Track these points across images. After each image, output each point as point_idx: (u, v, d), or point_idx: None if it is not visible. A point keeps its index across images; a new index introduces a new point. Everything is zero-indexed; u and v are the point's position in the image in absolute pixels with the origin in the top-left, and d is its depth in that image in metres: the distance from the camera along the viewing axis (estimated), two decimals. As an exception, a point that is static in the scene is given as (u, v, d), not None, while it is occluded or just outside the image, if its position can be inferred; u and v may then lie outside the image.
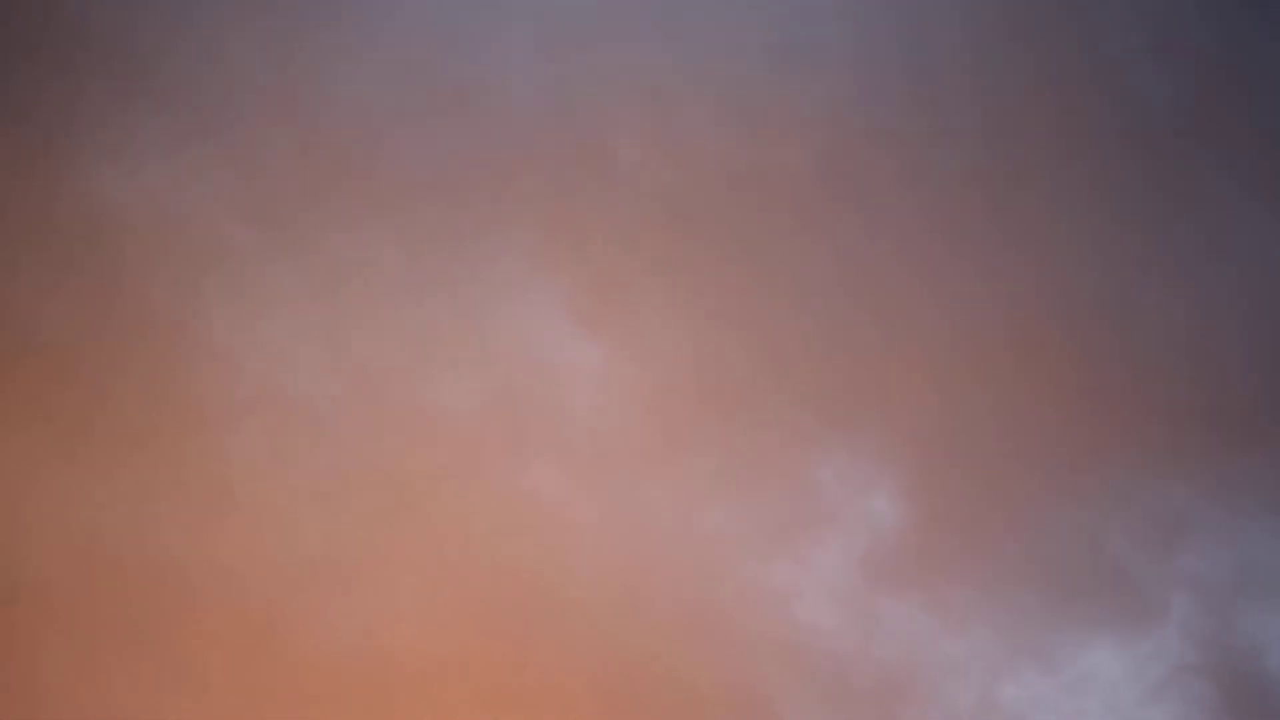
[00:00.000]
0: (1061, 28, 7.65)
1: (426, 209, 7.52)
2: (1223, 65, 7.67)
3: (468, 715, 7.21)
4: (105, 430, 6.99)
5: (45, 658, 6.88)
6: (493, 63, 7.67)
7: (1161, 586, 7.54)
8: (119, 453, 6.97)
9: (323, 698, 7.05)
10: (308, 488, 7.14)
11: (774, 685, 7.49)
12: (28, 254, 7.07)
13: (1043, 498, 7.53)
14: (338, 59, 7.55)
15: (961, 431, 7.53)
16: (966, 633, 7.53)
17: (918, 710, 7.57)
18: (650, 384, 7.45)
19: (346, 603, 7.14)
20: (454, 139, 7.60)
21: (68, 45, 7.33)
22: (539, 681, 7.23)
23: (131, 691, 6.97)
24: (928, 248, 7.62)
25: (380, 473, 7.20)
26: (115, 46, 7.31)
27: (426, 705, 7.19)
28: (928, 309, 7.58)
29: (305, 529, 7.15)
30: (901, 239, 7.63)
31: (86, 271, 7.06)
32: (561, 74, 7.64)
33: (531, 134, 7.67)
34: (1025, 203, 7.64)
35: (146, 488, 7.05)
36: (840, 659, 7.50)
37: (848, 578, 7.53)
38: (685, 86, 7.65)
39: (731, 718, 7.45)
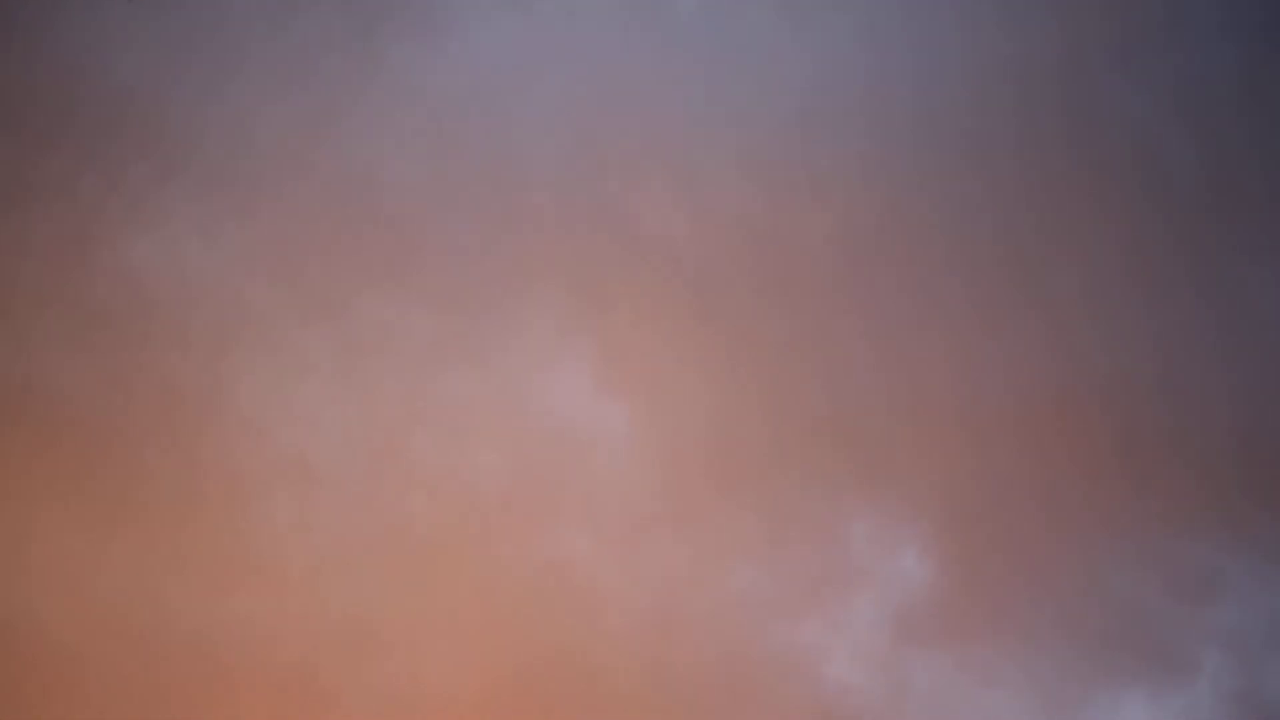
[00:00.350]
0: (1088, 94, 7.69)
1: (453, 275, 7.58)
2: (1252, 132, 7.70)
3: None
4: (135, 501, 7.06)
5: (62, 715, 6.92)
6: (519, 130, 7.75)
7: (1193, 643, 7.52)
8: (148, 523, 7.03)
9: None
10: (335, 553, 7.19)
11: (806, 747, 7.48)
12: (63, 328, 7.17)
13: (1073, 556, 7.52)
14: (368, 130, 7.64)
15: (992, 490, 7.54)
16: (997, 691, 7.52)
17: (950, 771, 7.54)
18: (677, 446, 7.48)
19: (374, 667, 7.17)
20: (480, 206, 7.68)
21: (107, 125, 7.45)
22: (571, 745, 7.24)
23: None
24: (954, 312, 7.64)
25: (407, 538, 7.24)
26: (152, 127, 7.43)
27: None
28: (955, 373, 7.60)
29: (332, 594, 7.19)
30: (927, 303, 7.66)
31: (119, 345, 7.14)
32: (586, 139, 7.72)
33: (557, 200, 7.73)
34: (1056, 270, 7.67)
35: (176, 556, 7.10)
36: (872, 719, 7.49)
37: (877, 637, 7.53)
38: (707, 151, 7.71)
39: (765, 782, 7.44)
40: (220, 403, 7.17)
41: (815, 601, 7.53)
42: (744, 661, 7.43)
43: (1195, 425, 7.56)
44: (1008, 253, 7.69)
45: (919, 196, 7.74)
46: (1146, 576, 7.55)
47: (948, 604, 7.55)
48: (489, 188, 7.73)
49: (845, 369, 7.62)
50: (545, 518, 7.39)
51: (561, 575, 7.31)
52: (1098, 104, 7.70)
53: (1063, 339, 7.63)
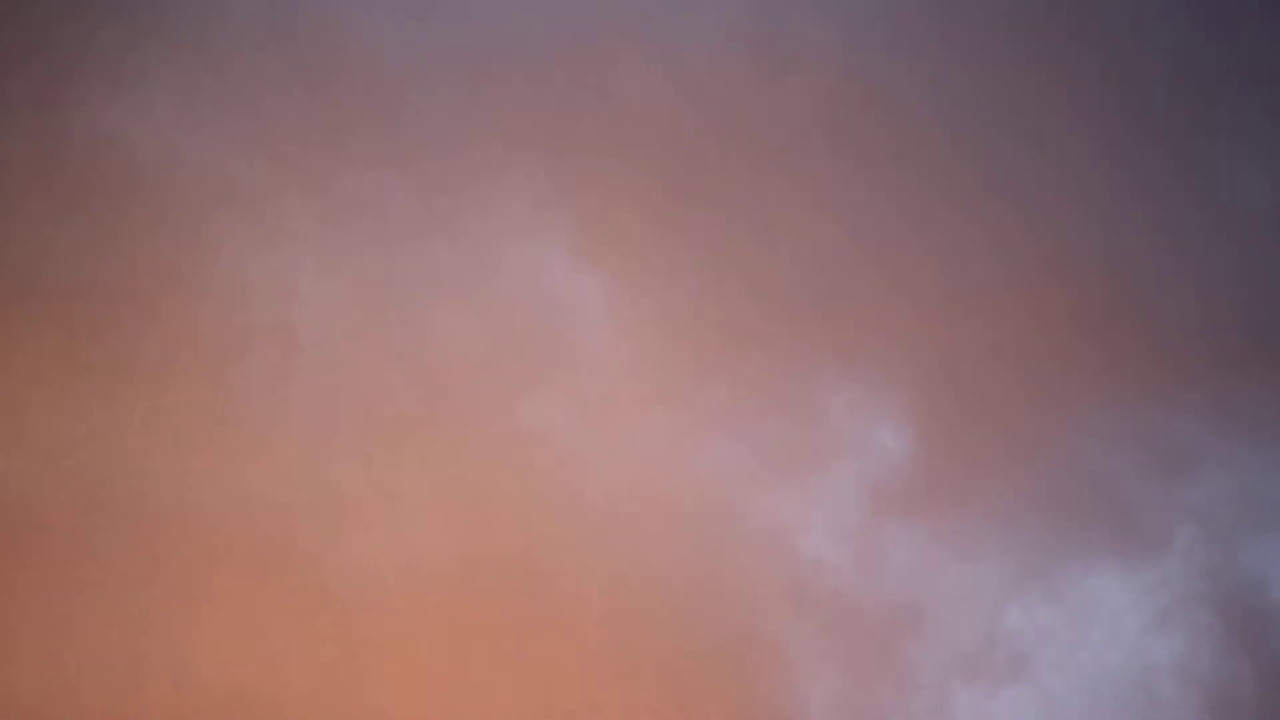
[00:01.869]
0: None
1: (432, 148, 7.55)
2: (1220, 29, 7.70)
3: (476, 645, 7.26)
4: (111, 363, 7.04)
5: (52, 587, 6.93)
6: (499, 6, 7.70)
7: (1166, 516, 7.57)
8: (125, 385, 7.02)
9: (333, 624, 7.10)
10: (314, 423, 7.19)
11: (779, 620, 7.53)
12: (37, 189, 7.12)
13: (1048, 429, 7.56)
14: (348, 3, 7.59)
15: (968, 365, 7.57)
16: (972, 563, 7.57)
17: (922, 642, 7.60)
18: (654, 320, 7.48)
19: (353, 536, 7.19)
20: (459, 82, 7.64)
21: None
22: (546, 615, 7.27)
23: (135, 620, 7.03)
24: (933, 191, 7.65)
25: (385, 408, 7.24)
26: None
27: (435, 634, 7.24)
28: (934, 249, 7.62)
29: (311, 464, 7.20)
30: (906, 182, 7.66)
31: (94, 207, 7.11)
32: (566, 16, 7.67)
33: (536, 76, 7.69)
34: (1033, 150, 7.67)
35: (157, 425, 7.10)
36: (846, 592, 7.54)
37: (853, 510, 7.57)
38: (689, 26, 7.67)
39: (737, 652, 7.49)
40: (200, 271, 7.15)
41: (792, 475, 7.56)
42: (720, 534, 7.46)
43: (1171, 302, 7.60)
44: (987, 134, 7.69)
45: (901, 79, 7.73)
46: (1121, 450, 7.60)
47: (923, 477, 7.59)
48: (468, 59, 7.69)
49: (824, 244, 7.63)
50: (523, 389, 7.40)
51: (539, 446, 7.33)
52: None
53: (1039, 217, 7.65)
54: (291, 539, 7.16)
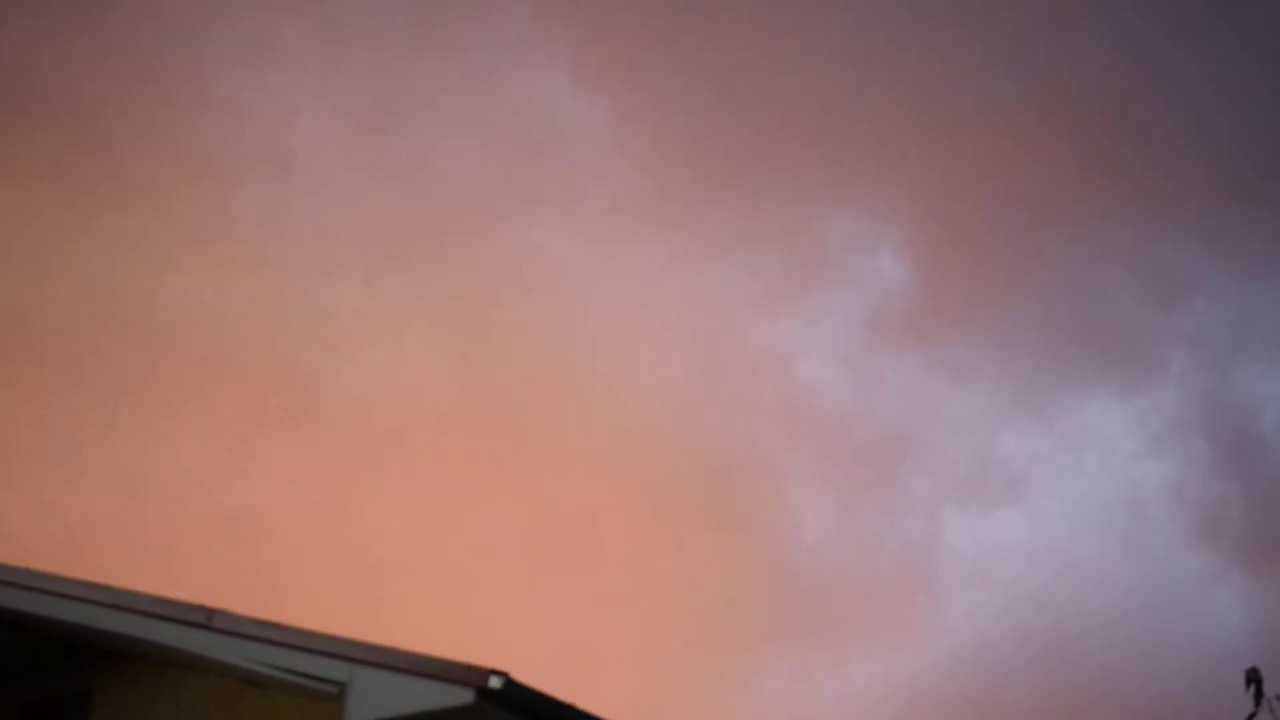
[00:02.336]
0: None
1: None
2: None
3: (479, 470, 7.25)
4: (109, 180, 6.95)
5: (57, 402, 6.88)
6: None
7: (1161, 342, 7.61)
8: (122, 203, 6.94)
9: (335, 440, 7.09)
10: (312, 242, 7.13)
11: (776, 443, 7.54)
12: (31, 4, 6.97)
13: (1047, 255, 7.56)
14: None
15: (969, 191, 7.55)
16: (967, 388, 7.60)
17: (916, 466, 7.64)
18: (655, 142, 7.43)
19: (350, 355, 7.16)
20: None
21: None
22: (551, 438, 7.27)
23: (133, 434, 7.00)
24: (931, 17, 7.58)
25: (383, 227, 7.20)
26: None
27: (436, 460, 7.23)
28: (936, 72, 7.56)
29: (309, 283, 7.16)
30: (905, 10, 7.58)
31: (100, 31, 6.98)
32: None
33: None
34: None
35: (150, 238, 7.02)
36: (842, 416, 7.56)
37: (850, 336, 7.58)
38: None
39: (733, 475, 7.50)
40: (197, 91, 7.04)
41: (791, 300, 7.55)
42: (718, 358, 7.46)
43: (1173, 126, 7.57)
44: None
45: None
46: (1120, 276, 7.62)
47: (921, 303, 7.60)
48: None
49: (827, 68, 7.56)
50: (523, 208, 7.35)
51: (539, 266, 7.29)
52: None
53: (1044, 40, 7.59)
54: (289, 360, 7.13)
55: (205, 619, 4.05)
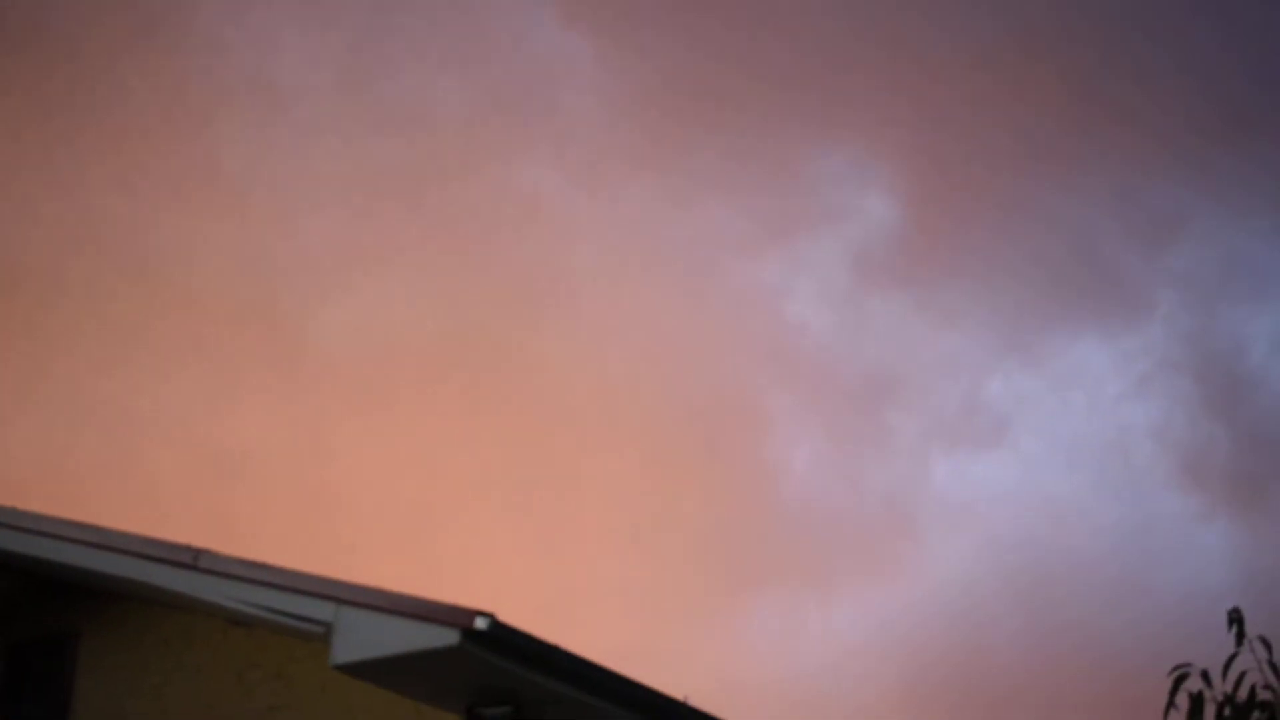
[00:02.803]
0: None
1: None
2: None
3: (465, 412, 7.24)
4: (88, 114, 6.89)
5: (48, 340, 6.85)
6: None
7: (1149, 283, 7.60)
8: (102, 138, 6.88)
9: (320, 380, 7.06)
10: (300, 183, 7.10)
11: (765, 385, 7.53)
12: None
13: (1035, 194, 7.55)
14: None
15: (956, 130, 7.52)
16: (955, 330, 7.60)
17: (904, 408, 7.64)
18: (642, 83, 7.40)
19: (340, 299, 7.14)
20: None
21: None
22: (537, 380, 7.25)
23: (119, 372, 6.97)
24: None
25: (372, 169, 7.15)
26: None
27: (423, 401, 7.22)
28: (923, 22, 7.51)
29: (298, 224, 7.13)
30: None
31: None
32: None
33: None
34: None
35: (131, 173, 6.96)
36: (830, 358, 7.56)
37: (839, 276, 7.57)
38: None
39: (723, 416, 7.50)
40: (179, 24, 6.99)
41: (779, 240, 7.54)
42: (707, 298, 7.45)
43: (1159, 66, 7.54)
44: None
45: None
46: (1108, 218, 7.60)
47: (908, 244, 7.59)
48: None
49: (810, 8, 7.52)
50: (512, 150, 7.32)
51: (528, 208, 7.26)
52: None
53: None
54: (274, 297, 7.10)
55: (191, 559, 4.05)
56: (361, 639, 3.70)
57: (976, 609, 7.46)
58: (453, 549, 6.83)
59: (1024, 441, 7.74)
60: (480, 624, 3.50)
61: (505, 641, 3.54)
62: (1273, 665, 2.82)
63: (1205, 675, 2.92)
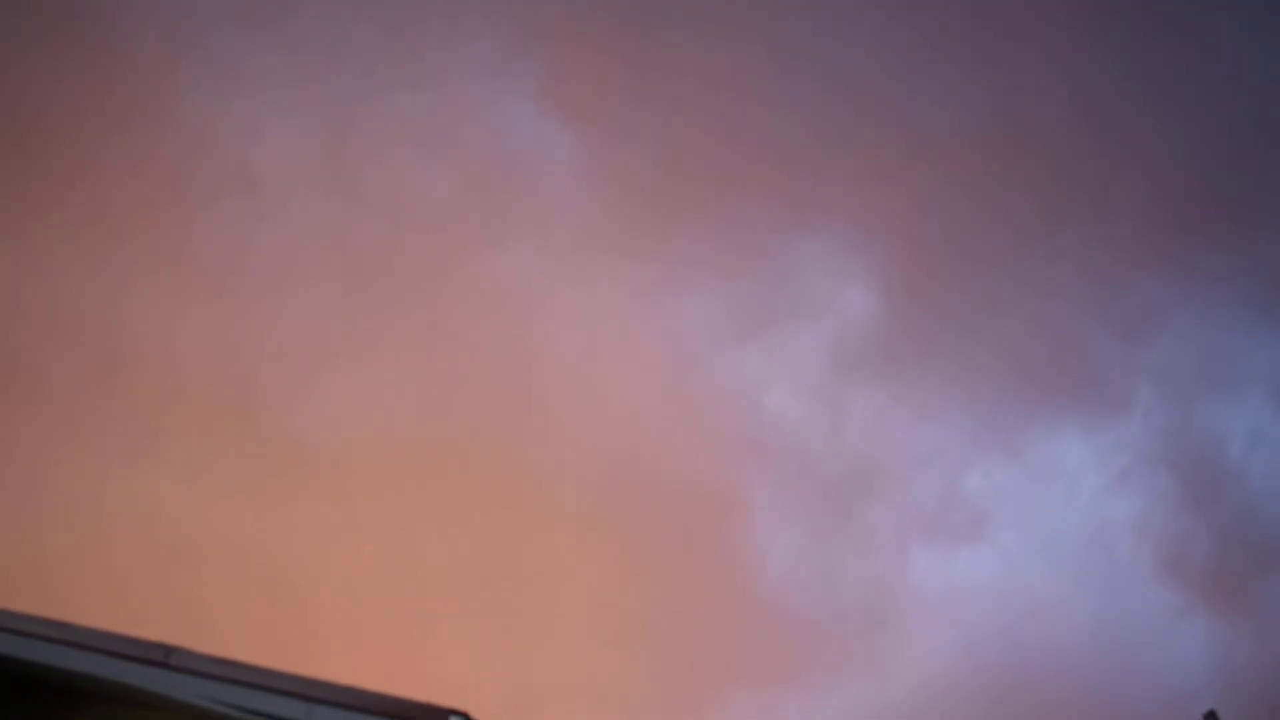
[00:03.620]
0: None
1: (398, -4, 7.42)
2: None
3: (444, 501, 7.21)
4: (75, 202, 6.90)
5: (12, 426, 6.81)
6: None
7: (1129, 377, 7.60)
8: (88, 224, 6.89)
9: (297, 477, 7.03)
10: (281, 268, 7.09)
11: (744, 478, 7.51)
12: (14, 28, 6.93)
13: (1014, 288, 7.55)
14: None
15: (936, 222, 7.54)
16: (934, 424, 7.58)
17: (883, 501, 7.61)
18: (620, 173, 7.41)
19: (319, 382, 7.11)
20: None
21: None
22: (516, 470, 7.23)
23: (96, 459, 6.93)
24: (899, 36, 7.57)
25: (353, 253, 7.15)
26: None
27: (402, 490, 7.19)
28: (902, 100, 7.55)
29: (278, 309, 7.11)
30: (873, 27, 7.57)
31: (74, 48, 6.95)
32: None
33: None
34: (995, 5, 7.59)
35: (126, 265, 6.97)
36: (809, 452, 7.54)
37: (819, 369, 7.56)
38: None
39: (701, 509, 7.47)
40: (168, 115, 7.00)
41: (759, 331, 7.53)
42: (687, 390, 7.43)
43: (1138, 158, 7.58)
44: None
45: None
46: (1087, 311, 7.61)
47: (888, 335, 7.58)
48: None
49: (790, 98, 7.55)
50: (492, 239, 7.32)
51: (508, 294, 7.25)
52: None
53: (1009, 65, 7.59)
54: (254, 383, 7.08)
55: (163, 656, 4.00)
56: (335, 738, 3.66)
57: (955, 702, 7.42)
58: (427, 645, 6.79)
59: (1003, 535, 7.72)
60: (455, 723, 3.46)
61: (481, 741, 3.50)
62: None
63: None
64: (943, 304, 7.59)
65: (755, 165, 7.51)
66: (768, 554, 7.72)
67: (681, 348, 7.45)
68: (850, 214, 7.54)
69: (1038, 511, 7.72)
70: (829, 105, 7.54)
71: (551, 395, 7.26)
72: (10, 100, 6.71)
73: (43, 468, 6.81)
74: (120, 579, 6.84)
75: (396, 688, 3.55)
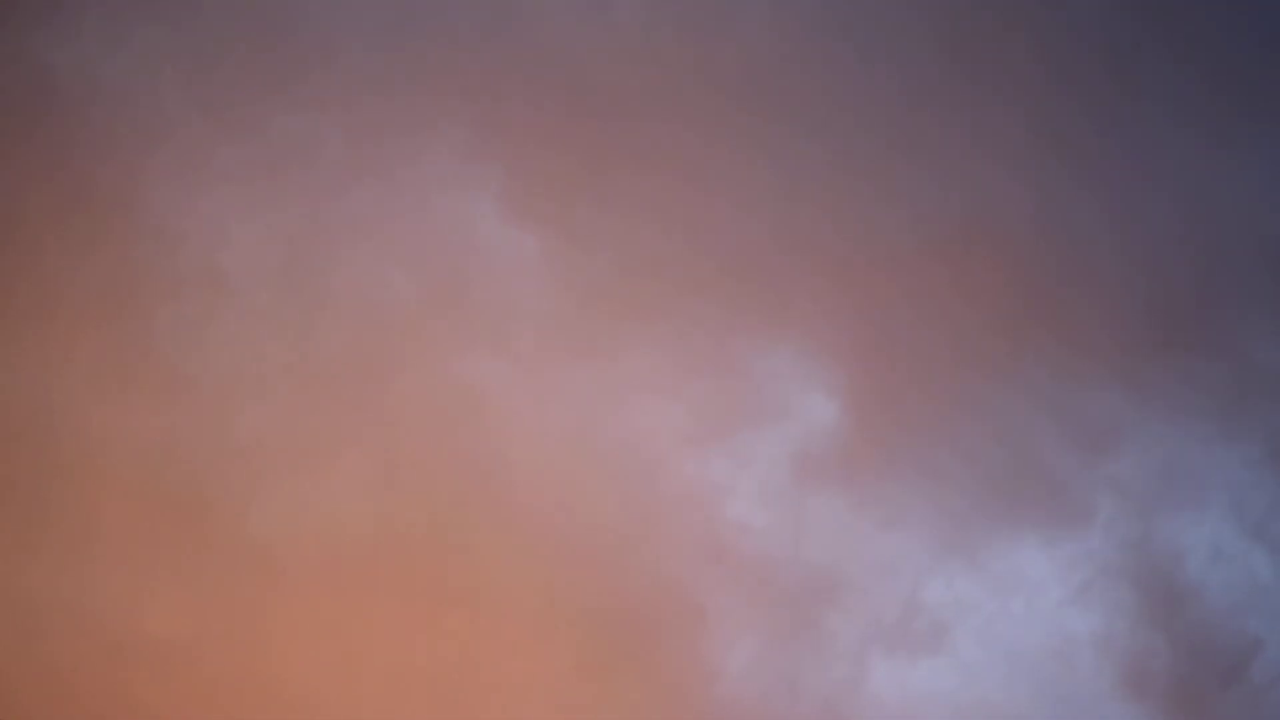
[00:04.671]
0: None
1: (362, 95, 7.43)
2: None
3: (400, 606, 7.14)
4: (32, 299, 6.87)
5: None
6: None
7: (1089, 489, 7.59)
8: (45, 322, 6.84)
9: (250, 580, 6.96)
10: (239, 369, 7.04)
11: (703, 586, 7.47)
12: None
13: (974, 398, 7.55)
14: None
15: (896, 331, 7.55)
16: (896, 533, 7.56)
17: (844, 612, 7.57)
18: (587, 276, 7.40)
19: (273, 488, 7.05)
20: (389, 29, 7.52)
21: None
22: (473, 574, 7.18)
23: (41, 562, 6.86)
24: (857, 151, 7.61)
25: (313, 357, 7.11)
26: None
27: (354, 597, 7.12)
28: (860, 212, 7.58)
29: (234, 411, 7.05)
30: (831, 141, 7.62)
31: (34, 145, 6.94)
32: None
33: (465, 27, 7.58)
34: (959, 113, 7.65)
35: (72, 359, 6.92)
36: (768, 557, 7.50)
37: (780, 476, 7.53)
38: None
39: (660, 616, 7.43)
40: (128, 212, 6.97)
41: (719, 437, 7.50)
42: (647, 496, 7.39)
43: (1096, 273, 7.61)
44: (911, 93, 7.66)
45: (825, 35, 7.68)
46: (1047, 422, 7.61)
47: (849, 444, 7.56)
48: (396, 5, 7.56)
49: (753, 203, 7.57)
50: (450, 341, 7.28)
51: (468, 400, 7.22)
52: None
53: (966, 181, 7.63)
54: (208, 486, 7.01)
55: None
56: None
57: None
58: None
59: (964, 647, 7.67)
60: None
61: None
62: None
63: None
64: (904, 413, 7.58)
65: (717, 270, 7.51)
66: (727, 660, 7.66)
67: (642, 452, 7.41)
68: (812, 321, 7.53)
69: (999, 623, 7.68)
70: (793, 211, 7.56)
71: (511, 497, 7.21)
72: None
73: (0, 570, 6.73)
74: (59, 678, 6.75)
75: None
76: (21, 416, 6.79)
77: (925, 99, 7.67)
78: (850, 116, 7.63)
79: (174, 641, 6.95)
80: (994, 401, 7.60)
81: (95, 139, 6.99)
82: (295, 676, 7.06)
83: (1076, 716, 7.58)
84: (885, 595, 7.62)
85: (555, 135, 7.52)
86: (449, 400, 7.17)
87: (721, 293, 7.48)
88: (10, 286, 6.77)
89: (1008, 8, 7.67)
